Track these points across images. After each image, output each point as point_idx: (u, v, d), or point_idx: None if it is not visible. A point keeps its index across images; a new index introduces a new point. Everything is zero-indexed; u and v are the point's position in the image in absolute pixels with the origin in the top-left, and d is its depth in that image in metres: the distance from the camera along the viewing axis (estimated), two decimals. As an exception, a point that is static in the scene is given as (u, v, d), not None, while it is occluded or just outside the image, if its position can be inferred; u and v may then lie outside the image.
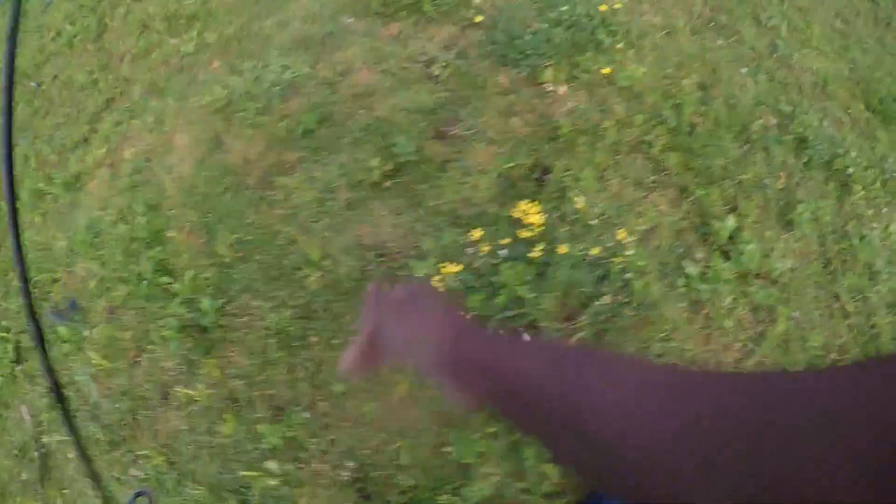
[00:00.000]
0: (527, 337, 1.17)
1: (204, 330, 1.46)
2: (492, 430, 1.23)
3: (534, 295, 1.27)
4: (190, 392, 1.39)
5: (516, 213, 1.30)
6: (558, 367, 0.32)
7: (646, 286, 1.29)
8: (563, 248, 1.24)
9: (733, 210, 1.44)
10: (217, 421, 1.33)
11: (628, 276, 1.29)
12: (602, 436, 0.27)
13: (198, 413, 1.37)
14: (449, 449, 1.25)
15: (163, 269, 1.66)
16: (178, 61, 2.25)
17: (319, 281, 1.48)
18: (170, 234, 1.78)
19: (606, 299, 1.27)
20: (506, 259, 1.30)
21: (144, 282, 1.60)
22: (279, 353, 1.39)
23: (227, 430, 1.32)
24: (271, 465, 1.24)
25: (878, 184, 1.81)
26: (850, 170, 1.74)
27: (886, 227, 1.71)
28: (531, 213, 1.27)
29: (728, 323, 1.32)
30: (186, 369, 1.44)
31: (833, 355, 1.41)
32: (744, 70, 1.79)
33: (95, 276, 1.72)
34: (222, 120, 1.94)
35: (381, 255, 1.45)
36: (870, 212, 1.73)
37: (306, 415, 1.33)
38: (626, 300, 1.28)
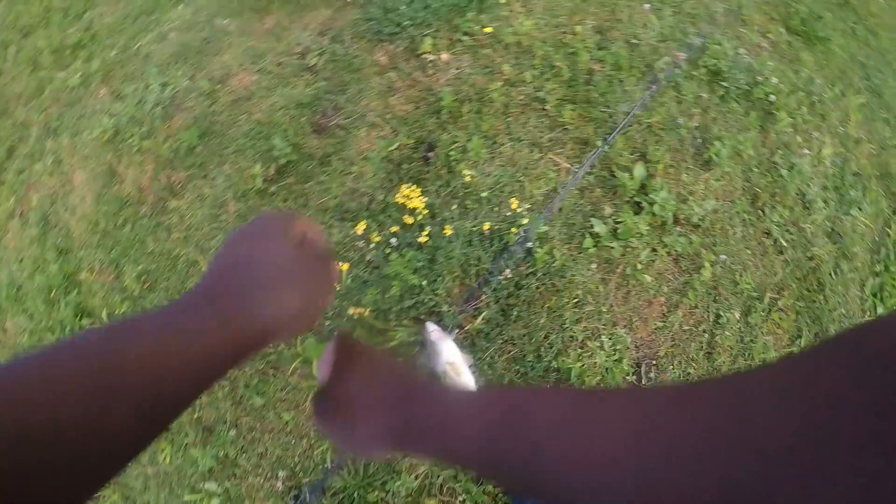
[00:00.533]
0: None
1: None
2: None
3: (429, 281, 1.16)
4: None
5: (399, 199, 1.19)
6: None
7: (549, 253, 1.18)
8: (448, 229, 1.13)
9: (642, 158, 1.33)
10: (156, 451, 1.30)
11: (529, 245, 1.18)
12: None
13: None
14: None
15: (81, 312, 1.63)
16: (67, 96, 2.13)
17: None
18: (82, 276, 1.73)
19: (507, 273, 1.17)
20: (397, 248, 1.19)
21: (67, 328, 1.59)
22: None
23: (165, 457, 1.29)
24: (211, 485, 1.24)
25: (804, 108, 1.70)
26: (773, 97, 1.63)
27: (819, 151, 1.61)
28: (413, 198, 1.16)
29: (647, 278, 1.22)
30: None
31: (770, 294, 1.31)
32: (647, 6, 1.68)
33: (25, 329, 1.68)
34: (112, 150, 1.83)
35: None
36: (798, 138, 1.63)
37: (233, 432, 1.28)
38: (530, 270, 1.18)
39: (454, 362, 0.91)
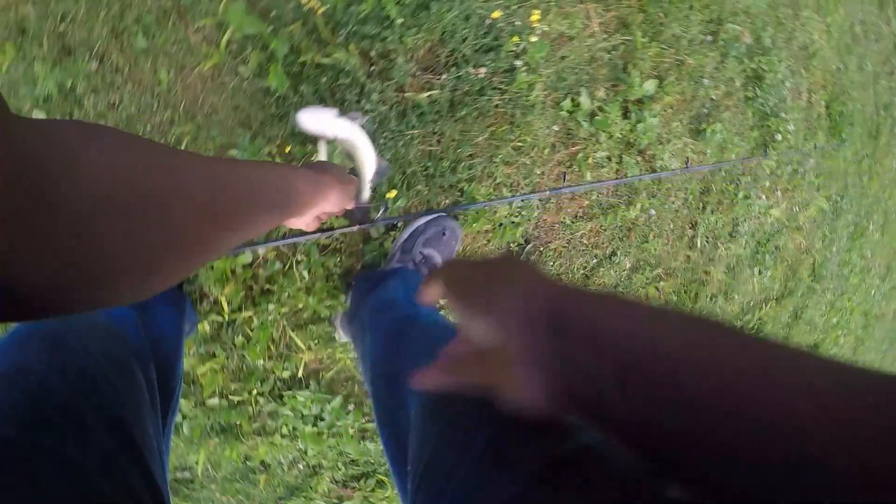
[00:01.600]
0: None
1: None
2: (286, 150, 1.00)
3: (405, 22, 1.00)
4: None
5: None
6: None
7: (529, 85, 1.08)
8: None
9: (659, 79, 1.25)
10: None
11: (518, 63, 1.06)
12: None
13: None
14: (234, 152, 1.00)
15: None
16: None
17: None
18: None
19: (481, 72, 1.04)
20: (393, -34, 1.00)
21: None
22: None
23: (3, 62, 1.00)
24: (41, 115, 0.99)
25: (789, 168, 1.76)
26: (778, 137, 1.65)
27: (770, 207, 1.68)
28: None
29: (588, 175, 1.18)
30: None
31: (658, 270, 1.36)
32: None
33: None
34: None
35: None
36: (767, 183, 1.68)
37: (94, 65, 1.03)
38: (502, 87, 1.07)
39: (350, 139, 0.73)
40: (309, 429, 1.09)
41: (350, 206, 0.72)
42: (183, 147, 1.02)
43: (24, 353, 0.43)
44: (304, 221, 0.62)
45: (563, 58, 1.12)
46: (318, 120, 0.68)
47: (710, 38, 1.39)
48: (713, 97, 1.41)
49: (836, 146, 1.95)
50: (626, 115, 1.20)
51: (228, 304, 1.02)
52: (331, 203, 0.61)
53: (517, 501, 0.29)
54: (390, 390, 0.66)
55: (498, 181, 1.11)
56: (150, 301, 0.83)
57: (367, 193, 0.79)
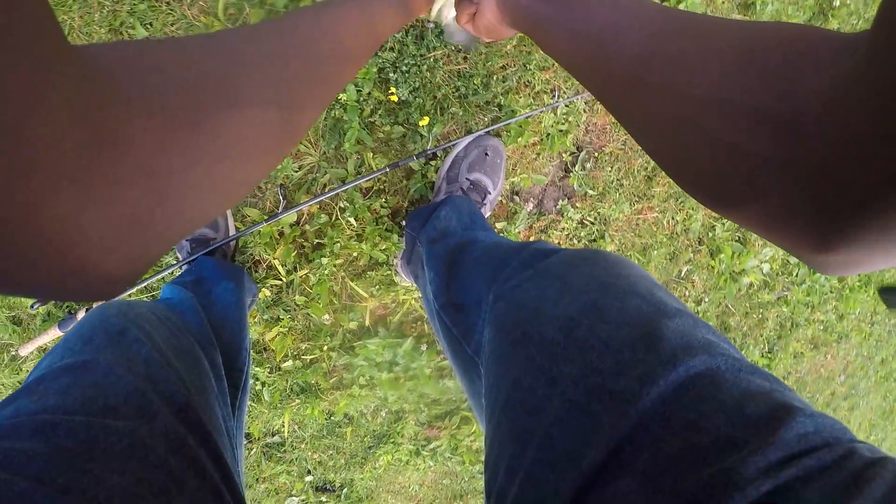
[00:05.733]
0: None
1: None
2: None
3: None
4: None
5: None
6: None
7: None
8: None
9: None
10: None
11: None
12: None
13: None
14: None
15: None
16: None
17: None
18: None
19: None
20: None
21: None
22: None
23: None
24: None
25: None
26: (838, 1, 1.43)
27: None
28: None
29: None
30: None
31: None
32: None
33: None
34: None
35: None
36: (838, 44, 1.48)
37: None
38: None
39: None
40: (385, 375, 1.08)
41: None
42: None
43: (90, 347, 0.44)
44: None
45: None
46: None
47: None
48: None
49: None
50: None
51: (283, 265, 1.01)
52: None
53: (623, 441, 0.31)
54: (455, 319, 0.61)
55: (536, 89, 1.01)
56: (209, 280, 0.82)
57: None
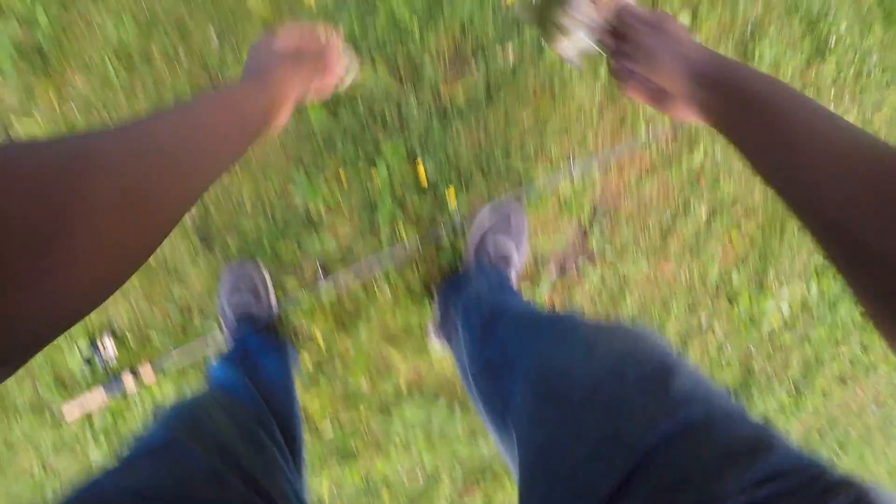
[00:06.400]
0: None
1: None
2: (341, 176, 1.02)
3: (420, 24, 1.00)
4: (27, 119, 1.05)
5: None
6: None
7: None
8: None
9: (693, 11, 1.19)
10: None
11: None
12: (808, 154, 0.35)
13: None
14: (293, 189, 1.04)
15: None
16: None
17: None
18: None
19: (509, 53, 1.03)
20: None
21: None
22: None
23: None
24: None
25: (852, 71, 1.62)
26: (833, 39, 1.52)
27: (843, 114, 1.55)
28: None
29: (642, 130, 1.13)
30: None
31: (739, 211, 1.28)
32: None
33: None
34: None
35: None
36: (832, 92, 1.55)
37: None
38: (533, 63, 1.04)
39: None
40: (420, 437, 1.11)
41: (334, 78, 0.64)
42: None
43: (172, 431, 0.54)
44: (284, 115, 0.54)
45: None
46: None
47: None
48: (752, 19, 1.31)
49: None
50: (669, 59, 1.14)
51: (322, 335, 1.06)
52: (301, 84, 0.56)
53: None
54: (490, 380, 0.66)
55: (553, 157, 1.08)
56: (256, 355, 0.88)
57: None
